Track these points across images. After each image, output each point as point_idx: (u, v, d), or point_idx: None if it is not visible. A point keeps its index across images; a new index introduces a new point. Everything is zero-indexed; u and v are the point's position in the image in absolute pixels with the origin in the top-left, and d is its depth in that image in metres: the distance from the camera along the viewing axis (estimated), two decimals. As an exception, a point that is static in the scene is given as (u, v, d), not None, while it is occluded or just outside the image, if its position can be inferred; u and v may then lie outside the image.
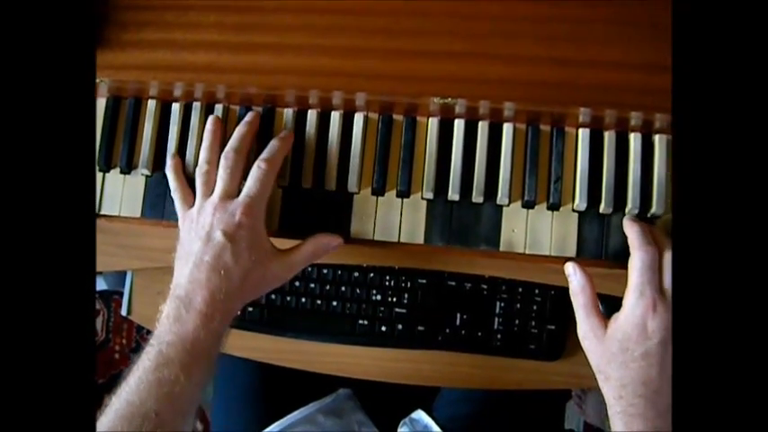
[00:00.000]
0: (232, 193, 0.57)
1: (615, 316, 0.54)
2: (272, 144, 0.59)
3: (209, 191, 0.58)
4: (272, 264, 0.58)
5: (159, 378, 0.52)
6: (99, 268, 0.72)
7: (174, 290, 0.56)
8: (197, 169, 0.60)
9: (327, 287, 0.73)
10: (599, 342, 0.55)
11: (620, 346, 0.53)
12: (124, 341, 1.49)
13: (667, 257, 0.53)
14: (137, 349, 1.49)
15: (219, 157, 0.59)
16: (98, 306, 1.47)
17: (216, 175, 0.59)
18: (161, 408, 0.51)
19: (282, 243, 0.60)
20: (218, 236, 0.55)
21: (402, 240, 0.60)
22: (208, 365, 0.55)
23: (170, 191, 0.62)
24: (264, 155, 0.58)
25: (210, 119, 0.61)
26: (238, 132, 0.60)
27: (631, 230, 0.56)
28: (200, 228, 0.57)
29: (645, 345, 0.52)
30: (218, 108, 0.63)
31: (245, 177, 0.58)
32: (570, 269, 0.57)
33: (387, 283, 0.73)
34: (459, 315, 0.72)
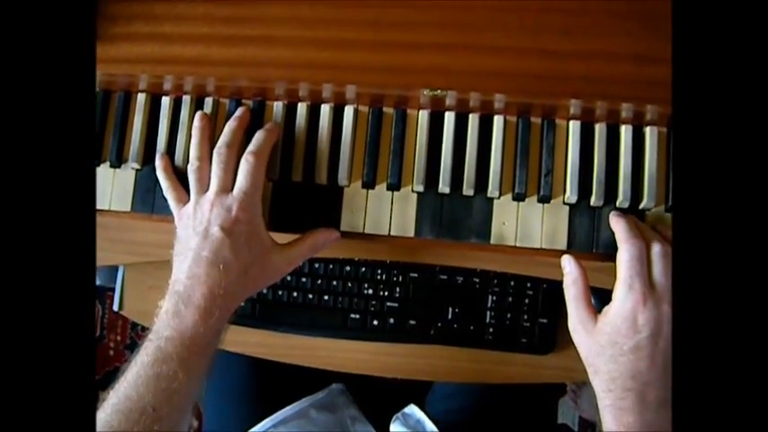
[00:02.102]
0: (227, 187, 0.57)
1: (605, 309, 0.54)
2: (258, 136, 0.59)
3: (203, 187, 0.58)
4: (271, 257, 0.58)
5: (157, 373, 0.52)
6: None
7: (172, 285, 0.56)
8: (188, 166, 0.59)
9: (319, 281, 0.73)
10: (588, 335, 0.55)
11: (609, 339, 0.53)
12: (119, 337, 1.49)
13: (655, 250, 0.53)
14: (131, 345, 1.48)
15: (210, 153, 0.59)
16: (92, 302, 1.46)
17: (208, 170, 0.59)
18: (159, 403, 0.51)
19: (273, 237, 0.59)
20: (217, 231, 0.55)
21: (392, 234, 0.60)
22: (206, 361, 0.55)
23: (161, 188, 0.62)
24: (251, 148, 0.58)
25: (198, 115, 0.61)
26: (229, 127, 0.60)
27: (617, 224, 0.56)
28: (197, 224, 0.57)
29: (634, 338, 0.52)
30: (209, 101, 0.63)
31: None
32: (565, 261, 0.58)
33: (378, 277, 0.73)
34: (450, 309, 0.72)
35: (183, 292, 0.54)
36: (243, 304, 0.74)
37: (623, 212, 0.58)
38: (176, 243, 0.58)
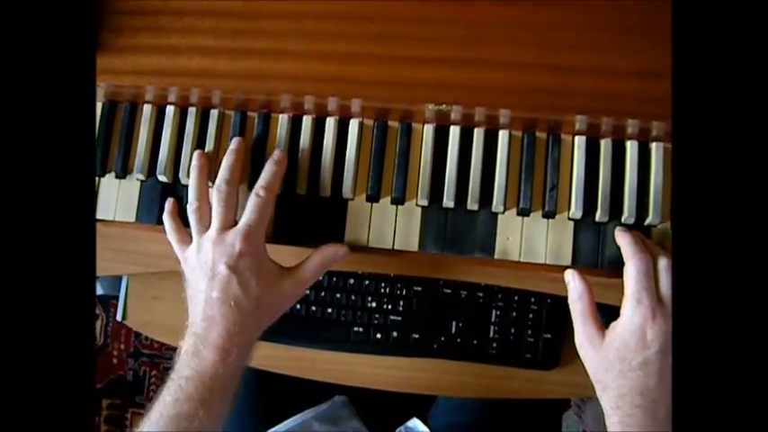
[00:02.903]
0: (229, 224, 0.57)
1: (613, 325, 0.54)
2: (268, 169, 0.59)
3: (204, 227, 0.58)
4: (281, 284, 0.58)
5: (179, 413, 0.53)
6: (94, 273, 0.72)
7: (190, 327, 0.56)
8: (188, 207, 0.59)
9: (322, 294, 0.73)
10: (596, 351, 0.54)
11: (617, 355, 0.53)
12: (122, 346, 1.49)
13: (661, 265, 0.53)
14: (135, 354, 1.48)
15: (208, 192, 0.59)
16: (96, 311, 1.46)
17: (208, 210, 0.58)
18: None
19: (276, 249, 0.59)
20: (222, 269, 0.55)
21: (396, 247, 0.60)
22: (227, 399, 0.56)
23: (165, 200, 0.62)
24: (261, 182, 0.58)
25: (196, 155, 0.61)
26: (227, 163, 0.59)
27: (623, 239, 0.55)
28: (202, 265, 0.56)
29: (643, 354, 0.52)
30: (214, 113, 0.63)
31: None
32: (569, 276, 0.57)
33: (382, 291, 0.73)
34: (454, 323, 0.72)
35: (200, 334, 0.55)
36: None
37: (628, 228, 0.58)
38: (187, 287, 0.58)
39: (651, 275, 0.53)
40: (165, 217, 0.61)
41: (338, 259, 0.60)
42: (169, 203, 0.62)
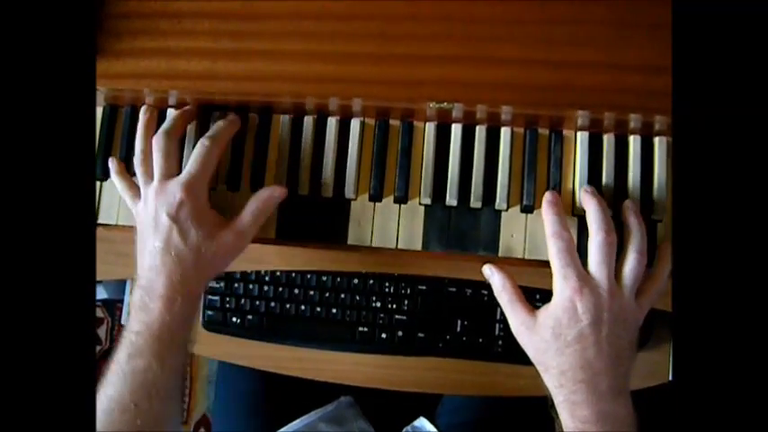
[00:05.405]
0: (170, 173, 0.57)
1: (545, 305, 0.55)
2: (218, 124, 0.60)
3: (149, 178, 0.58)
4: (221, 235, 0.57)
5: (133, 368, 0.53)
6: (98, 277, 0.72)
7: (137, 280, 0.56)
8: (134, 160, 0.59)
9: (327, 294, 0.73)
10: (531, 333, 0.55)
11: (552, 333, 0.53)
12: (128, 349, 1.49)
13: (593, 241, 0.53)
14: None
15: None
16: (102, 314, 1.47)
17: (151, 162, 0.58)
18: (138, 398, 0.52)
19: (280, 250, 0.59)
20: (164, 219, 0.55)
21: (400, 247, 0.60)
22: (179, 351, 0.56)
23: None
24: (209, 133, 0.59)
25: (143, 109, 0.61)
26: (172, 114, 0.61)
27: (546, 216, 0.55)
28: (147, 216, 0.57)
29: (577, 327, 0.52)
30: (214, 116, 0.62)
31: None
32: (487, 271, 0.58)
33: (386, 290, 0.72)
34: (459, 321, 0.72)
35: (146, 285, 0.55)
36: (250, 317, 0.74)
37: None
38: (138, 240, 0.58)
39: (573, 251, 0.54)
40: (114, 177, 0.62)
41: (276, 201, 0.59)
42: (113, 163, 0.62)
